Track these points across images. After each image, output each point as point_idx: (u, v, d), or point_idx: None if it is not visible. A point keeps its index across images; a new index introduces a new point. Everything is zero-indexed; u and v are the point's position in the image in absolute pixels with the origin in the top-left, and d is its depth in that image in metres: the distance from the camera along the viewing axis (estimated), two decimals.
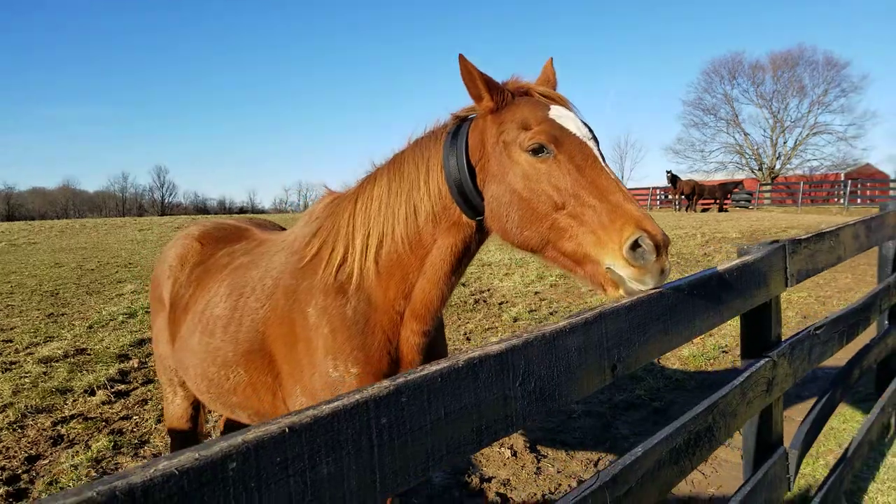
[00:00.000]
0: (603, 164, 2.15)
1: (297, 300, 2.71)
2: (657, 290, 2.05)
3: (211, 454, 1.00)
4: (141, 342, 8.28)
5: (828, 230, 3.62)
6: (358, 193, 2.69)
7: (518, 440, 5.41)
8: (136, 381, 6.92)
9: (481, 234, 2.49)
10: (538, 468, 4.98)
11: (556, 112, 2.23)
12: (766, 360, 2.81)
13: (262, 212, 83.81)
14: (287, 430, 1.11)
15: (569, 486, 4.72)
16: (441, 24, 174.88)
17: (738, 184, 40.24)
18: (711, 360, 7.33)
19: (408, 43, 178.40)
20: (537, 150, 2.14)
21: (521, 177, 2.18)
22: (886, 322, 5.09)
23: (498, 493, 4.61)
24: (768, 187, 46.70)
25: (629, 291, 2.00)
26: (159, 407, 6.19)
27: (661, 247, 1.93)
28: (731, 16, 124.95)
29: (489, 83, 2.27)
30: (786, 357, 2.98)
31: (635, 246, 1.92)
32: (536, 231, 2.18)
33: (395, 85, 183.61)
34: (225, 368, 2.95)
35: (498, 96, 2.28)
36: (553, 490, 4.68)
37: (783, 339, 3.10)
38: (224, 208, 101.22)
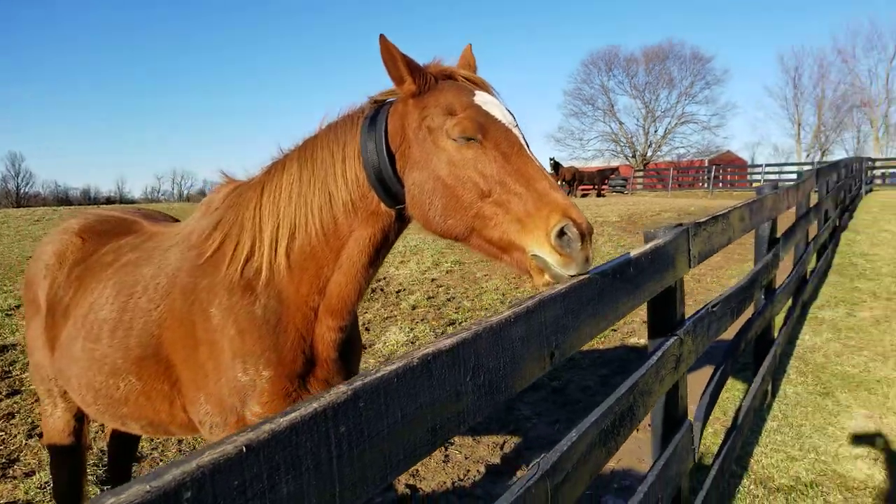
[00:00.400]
0: (528, 151, 2.13)
1: (198, 300, 2.51)
2: (586, 275, 2.05)
3: (164, 484, 0.87)
4: (2, 349, 7.55)
5: (720, 213, 3.80)
6: (264, 182, 2.52)
7: None
8: (0, 394, 6.30)
9: (401, 223, 2.41)
10: (446, 455, 4.98)
11: (481, 98, 2.17)
12: (675, 338, 2.91)
13: (132, 201, 78.97)
14: (244, 449, 0.99)
15: (478, 471, 4.74)
16: (330, 8, 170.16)
17: (614, 170, 42.25)
18: (602, 339, 7.61)
19: (301, 34, 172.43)
20: (464, 137, 2.08)
21: (445, 163, 2.11)
22: (763, 297, 5.44)
23: (407, 485, 4.56)
24: (641, 173, 49.55)
25: (555, 277, 1.99)
26: (29, 420, 5.67)
27: (585, 235, 1.94)
28: (613, 9, 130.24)
29: (411, 65, 2.17)
30: (690, 334, 3.10)
31: (561, 234, 1.92)
32: (461, 219, 2.12)
33: (281, 73, 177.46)
34: (114, 377, 2.71)
35: (420, 79, 2.19)
36: (462, 476, 4.68)
37: (686, 317, 3.23)
38: (89, 198, 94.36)
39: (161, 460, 4.93)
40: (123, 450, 4.02)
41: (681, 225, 3.15)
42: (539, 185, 2.00)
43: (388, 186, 2.25)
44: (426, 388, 1.37)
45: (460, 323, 8.25)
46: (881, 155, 55.19)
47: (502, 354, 1.64)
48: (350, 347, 2.68)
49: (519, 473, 4.65)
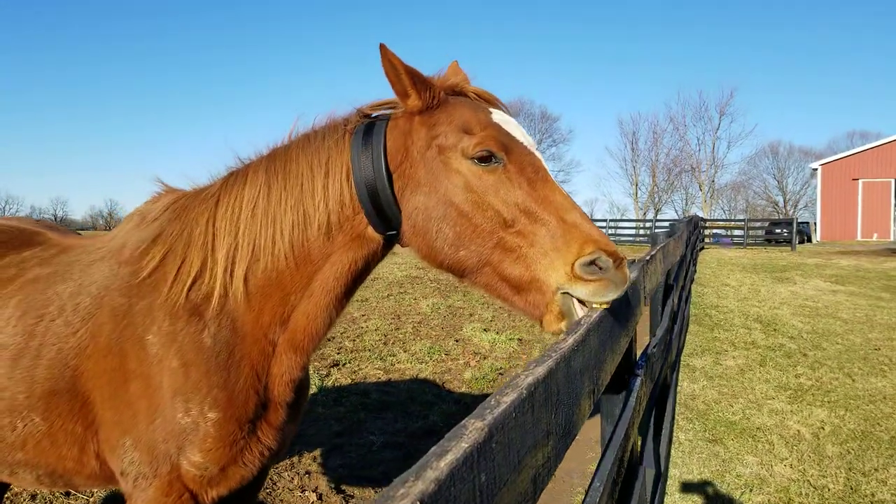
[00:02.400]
0: (553, 178, 1.96)
1: (132, 325, 2.11)
2: (604, 307, 1.88)
3: None
4: None
5: (650, 254, 3.82)
6: (220, 194, 2.18)
7: (321, 481, 4.93)
8: None
9: (385, 251, 2.16)
10: None
11: (499, 116, 1.99)
12: (639, 378, 2.81)
13: None
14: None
15: None
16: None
17: None
18: (491, 382, 7.50)
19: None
20: (485, 159, 1.88)
21: (461, 188, 1.90)
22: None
23: None
24: None
25: (569, 316, 1.83)
26: None
27: (620, 260, 1.81)
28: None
29: (417, 79, 1.96)
30: (647, 374, 3.02)
31: (591, 263, 1.77)
32: (477, 250, 1.90)
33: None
34: (10, 415, 2.21)
35: (427, 94, 1.97)
36: None
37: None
38: None
39: None
40: None
41: (634, 261, 3.09)
42: (569, 216, 1.85)
43: (383, 209, 1.99)
44: (531, 427, 1.13)
45: (345, 364, 7.84)
46: (707, 215, 61.09)
47: (570, 388, 1.42)
48: (300, 389, 2.35)
49: None
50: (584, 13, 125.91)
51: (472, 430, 0.89)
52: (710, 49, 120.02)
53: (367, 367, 7.88)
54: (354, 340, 9.08)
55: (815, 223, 46.29)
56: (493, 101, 2.09)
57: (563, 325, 1.83)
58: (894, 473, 5.31)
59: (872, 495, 4.91)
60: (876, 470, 5.38)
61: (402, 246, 2.11)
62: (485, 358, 8.48)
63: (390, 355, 8.41)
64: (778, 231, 38.12)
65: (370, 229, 2.04)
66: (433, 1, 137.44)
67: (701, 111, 70.73)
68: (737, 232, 40.39)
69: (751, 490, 4.96)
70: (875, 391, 7.58)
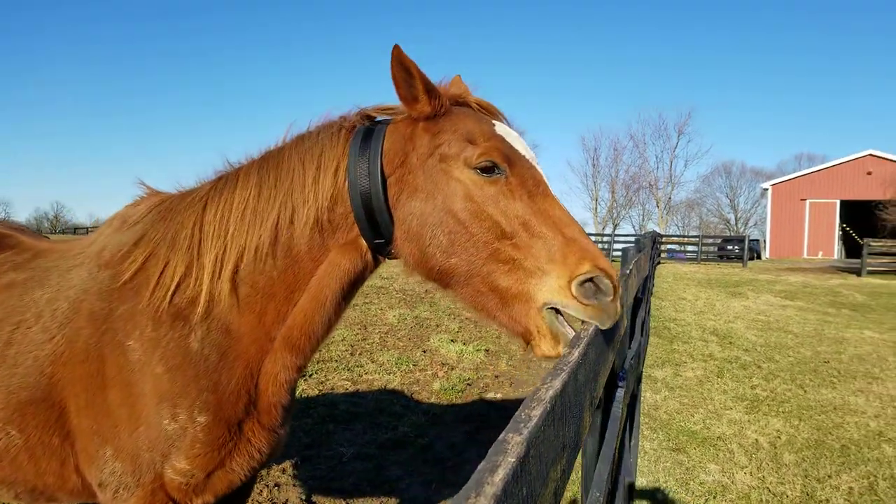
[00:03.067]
0: (553, 193, 1.97)
1: (111, 330, 2.06)
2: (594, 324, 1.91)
3: None
4: None
5: (628, 269, 3.90)
6: (209, 196, 2.16)
7: (291, 493, 4.88)
8: None
9: (376, 261, 2.13)
10: None
11: (501, 129, 2.00)
12: (622, 389, 2.87)
13: None
14: None
15: None
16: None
17: None
18: (460, 393, 7.52)
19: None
20: (488, 170, 1.89)
21: (461, 196, 1.89)
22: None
23: None
24: None
25: (563, 339, 1.80)
26: None
27: (616, 289, 1.81)
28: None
29: (429, 85, 1.95)
30: (627, 386, 3.09)
31: (585, 283, 1.76)
32: (469, 259, 1.88)
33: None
34: None
35: (436, 101, 1.97)
36: None
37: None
38: None
39: None
40: None
41: None
42: (567, 231, 1.84)
43: (374, 214, 1.97)
44: (553, 440, 1.16)
45: (312, 375, 7.78)
46: (663, 231, 62.27)
47: (577, 401, 1.46)
48: (292, 392, 2.33)
49: None
50: (550, 28, 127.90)
51: (514, 444, 0.92)
52: (670, 71, 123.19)
53: (334, 377, 7.83)
54: (321, 351, 8.99)
55: (764, 241, 47.66)
56: (495, 113, 2.10)
57: (544, 345, 1.82)
58: (846, 480, 5.51)
59: (827, 501, 5.09)
60: (829, 477, 5.59)
61: (390, 257, 2.08)
62: (452, 369, 8.51)
63: (357, 366, 8.37)
64: (730, 247, 39.15)
65: (361, 239, 2.03)
66: (396, 9, 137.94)
67: (660, 129, 72.28)
68: (690, 248, 41.30)
69: (714, 497, 5.09)
70: (826, 402, 7.84)
